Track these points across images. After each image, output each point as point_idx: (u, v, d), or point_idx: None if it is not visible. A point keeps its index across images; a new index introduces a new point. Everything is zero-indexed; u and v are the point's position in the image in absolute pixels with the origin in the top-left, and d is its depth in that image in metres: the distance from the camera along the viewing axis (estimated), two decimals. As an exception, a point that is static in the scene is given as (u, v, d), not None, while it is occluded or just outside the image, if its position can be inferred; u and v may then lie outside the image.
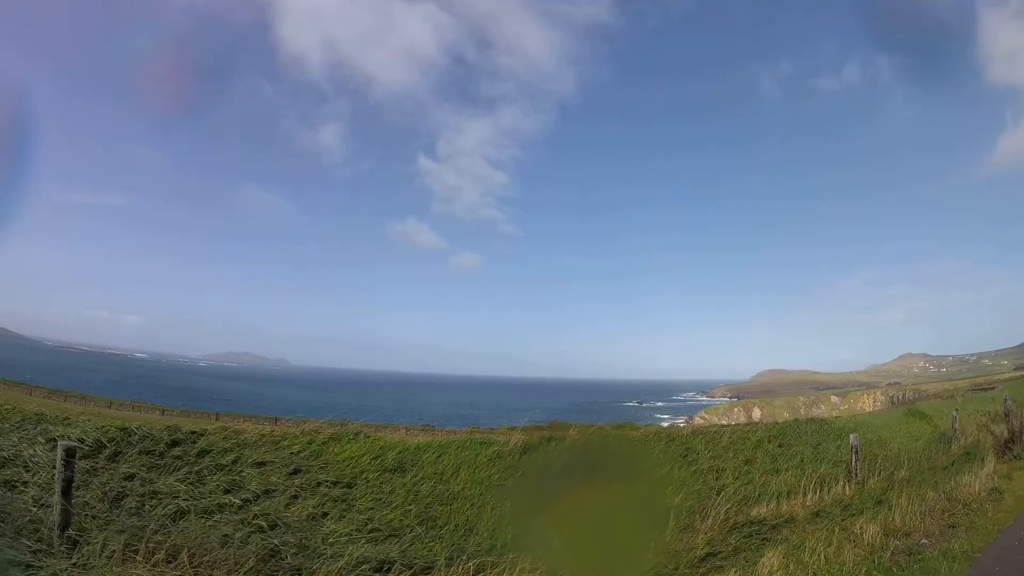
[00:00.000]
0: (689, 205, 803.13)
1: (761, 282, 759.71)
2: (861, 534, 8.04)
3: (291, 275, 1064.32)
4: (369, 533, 8.55)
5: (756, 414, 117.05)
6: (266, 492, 9.24)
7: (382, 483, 10.50)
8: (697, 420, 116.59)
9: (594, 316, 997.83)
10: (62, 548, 5.00)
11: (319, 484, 9.97)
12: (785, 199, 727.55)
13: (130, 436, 10.26)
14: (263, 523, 7.73)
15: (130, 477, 8.84)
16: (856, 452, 13.24)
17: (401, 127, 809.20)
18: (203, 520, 7.30)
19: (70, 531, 5.17)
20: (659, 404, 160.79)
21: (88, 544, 5.16)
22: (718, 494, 10.60)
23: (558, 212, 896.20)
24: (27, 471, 7.96)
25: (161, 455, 10.02)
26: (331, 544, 7.50)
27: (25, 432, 10.12)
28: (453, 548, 8.10)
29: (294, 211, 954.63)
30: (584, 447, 11.49)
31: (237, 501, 8.59)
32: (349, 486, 10.16)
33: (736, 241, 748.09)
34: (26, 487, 7.33)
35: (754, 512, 10.25)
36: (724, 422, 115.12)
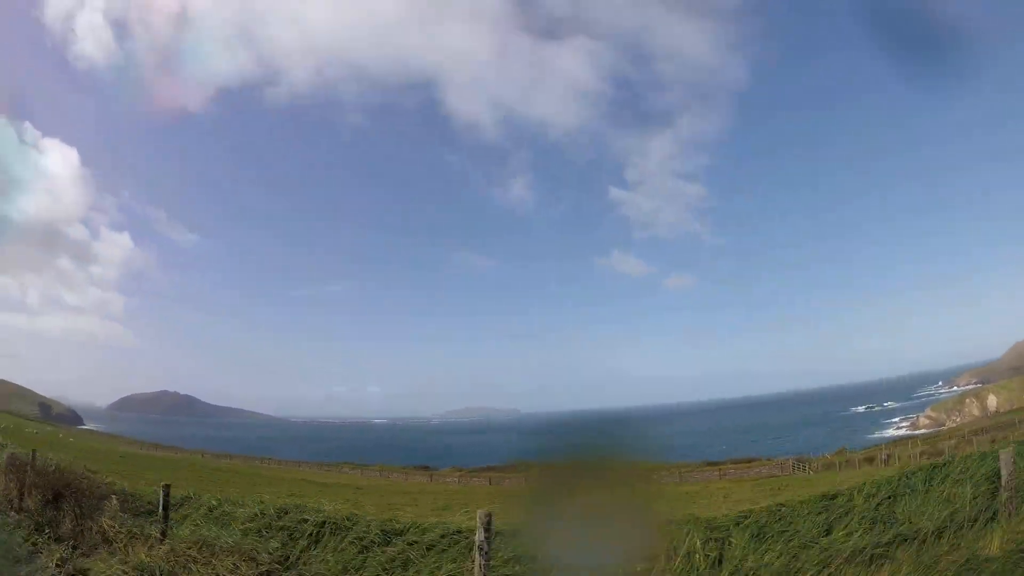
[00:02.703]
0: (914, 179, 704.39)
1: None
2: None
3: (512, 328, 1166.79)
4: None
5: (992, 402, 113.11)
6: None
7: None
8: (922, 421, 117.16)
9: (828, 316, 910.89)
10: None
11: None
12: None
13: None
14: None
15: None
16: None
17: (585, 163, 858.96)
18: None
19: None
20: (894, 405, 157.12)
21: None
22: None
23: (762, 213, 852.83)
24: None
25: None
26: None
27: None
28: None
29: (501, 267, 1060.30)
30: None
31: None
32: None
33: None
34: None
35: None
36: (955, 420, 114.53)
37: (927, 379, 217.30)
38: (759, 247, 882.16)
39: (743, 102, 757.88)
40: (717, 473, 53.51)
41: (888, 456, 47.99)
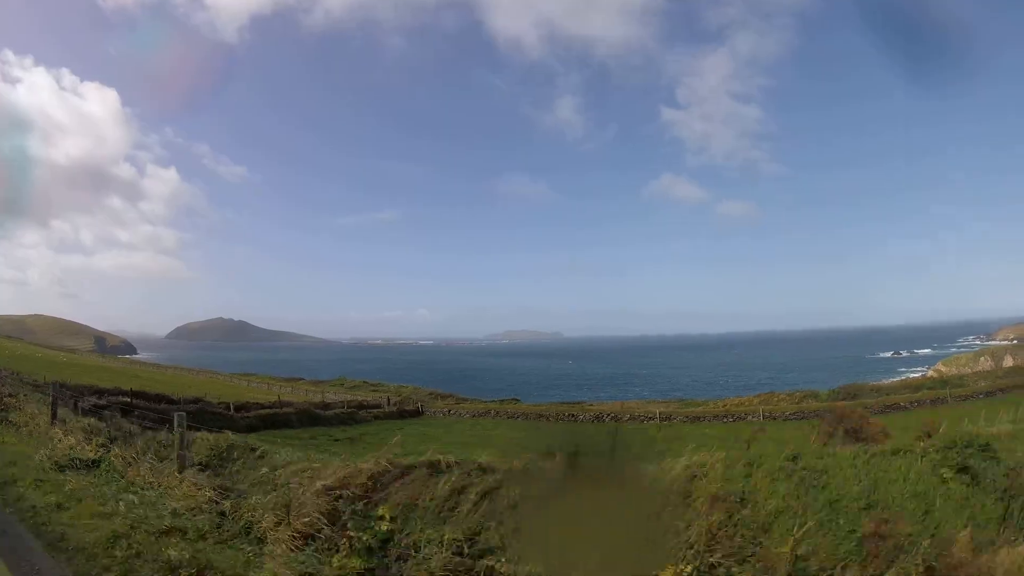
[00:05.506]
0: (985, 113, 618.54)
1: None
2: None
3: (559, 254, 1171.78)
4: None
5: (1007, 363, 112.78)
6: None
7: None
8: (930, 374, 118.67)
9: (892, 252, 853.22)
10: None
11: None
12: None
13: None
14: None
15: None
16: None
17: (635, 83, 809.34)
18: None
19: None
20: (927, 353, 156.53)
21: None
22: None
23: (823, 137, 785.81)
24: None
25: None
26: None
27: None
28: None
29: (550, 192, 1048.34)
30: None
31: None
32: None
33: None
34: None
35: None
36: (968, 372, 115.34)
37: (981, 328, 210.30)
38: (819, 173, 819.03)
39: (806, 22, 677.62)
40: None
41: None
